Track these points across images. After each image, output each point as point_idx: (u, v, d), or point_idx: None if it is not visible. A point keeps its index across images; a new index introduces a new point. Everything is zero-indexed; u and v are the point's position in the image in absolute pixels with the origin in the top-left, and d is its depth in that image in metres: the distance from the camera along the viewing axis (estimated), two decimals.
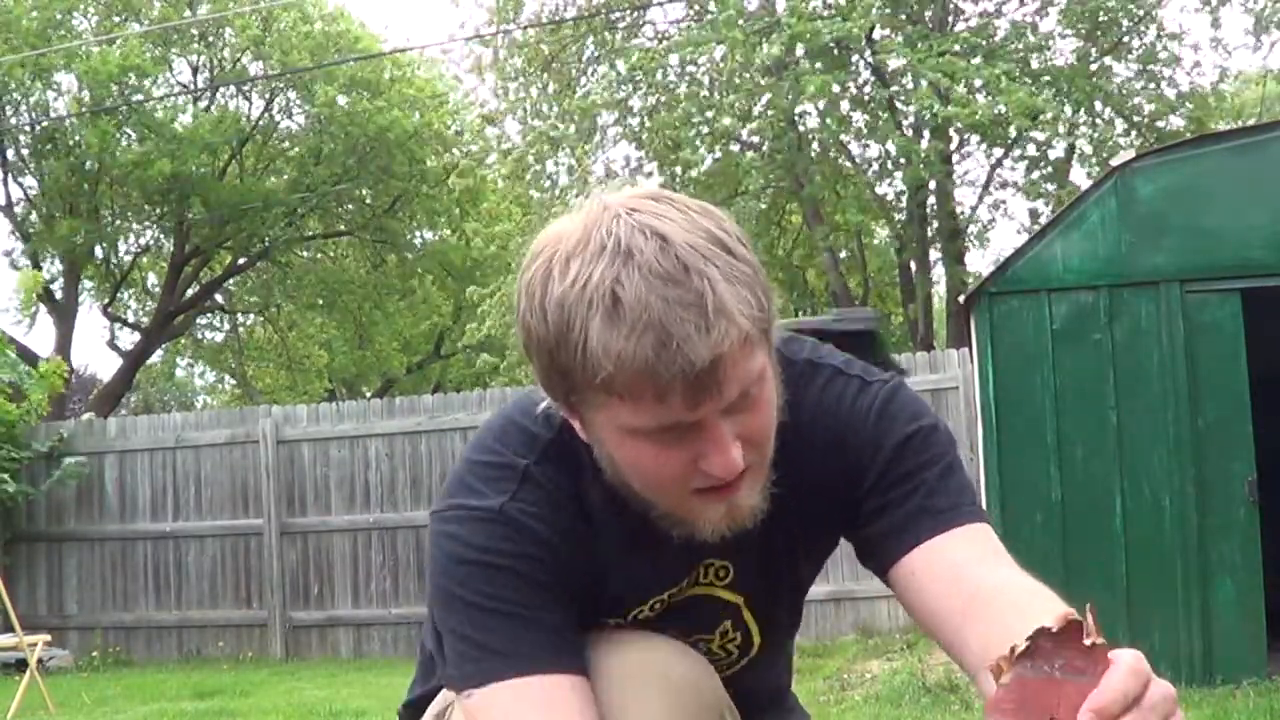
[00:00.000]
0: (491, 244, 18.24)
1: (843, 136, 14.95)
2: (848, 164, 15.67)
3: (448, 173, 17.90)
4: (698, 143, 14.10)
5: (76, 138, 16.66)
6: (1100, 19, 13.96)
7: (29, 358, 13.61)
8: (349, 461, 10.02)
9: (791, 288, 18.53)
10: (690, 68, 14.56)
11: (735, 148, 15.05)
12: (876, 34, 14.25)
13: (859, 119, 15.06)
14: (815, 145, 14.82)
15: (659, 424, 1.12)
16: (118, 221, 19.14)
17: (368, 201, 20.04)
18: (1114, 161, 6.35)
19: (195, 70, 18.83)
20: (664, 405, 1.10)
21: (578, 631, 1.27)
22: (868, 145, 15.47)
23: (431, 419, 9.92)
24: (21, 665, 8.12)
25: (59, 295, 18.85)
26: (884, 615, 8.64)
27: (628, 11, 15.46)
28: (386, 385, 22.28)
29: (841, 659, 7.62)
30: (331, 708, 6.89)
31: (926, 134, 14.39)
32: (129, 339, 21.16)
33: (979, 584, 1.18)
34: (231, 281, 21.14)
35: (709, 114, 13.99)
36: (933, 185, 14.42)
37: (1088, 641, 0.86)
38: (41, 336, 23.53)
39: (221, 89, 18.77)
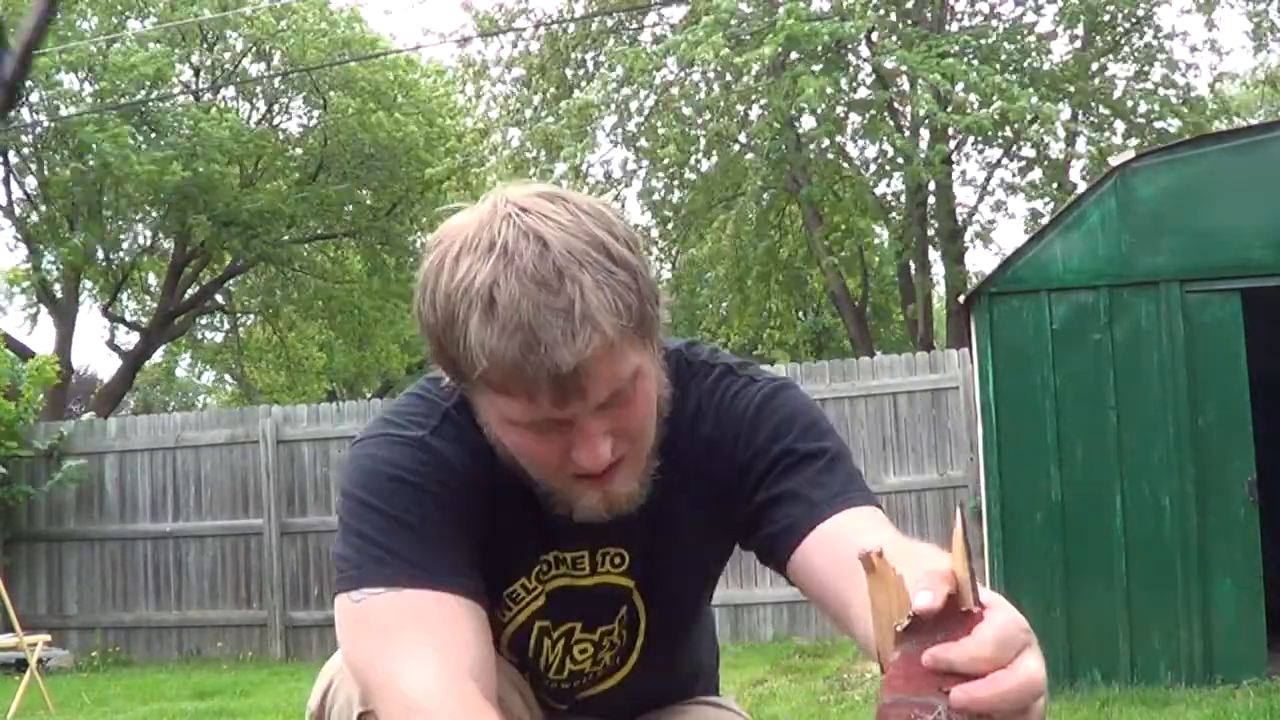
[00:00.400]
0: None
1: (839, 138, 14.94)
2: (845, 165, 15.66)
3: (449, 174, 17.89)
4: (699, 143, 14.08)
5: (88, 141, 16.51)
6: (1099, 19, 13.96)
7: (22, 353, 13.53)
8: None
9: (791, 289, 18.49)
10: (686, 70, 14.54)
11: (735, 148, 15.05)
12: (875, 35, 14.24)
13: (856, 120, 15.04)
14: (813, 146, 14.81)
15: (531, 419, 1.19)
16: (120, 222, 19.10)
17: (368, 204, 20.03)
18: (1113, 161, 6.34)
19: (197, 72, 18.78)
20: (534, 403, 1.17)
21: (478, 570, 1.30)
22: (864, 146, 15.47)
23: None
24: (21, 665, 8.11)
25: (59, 295, 18.84)
26: None
27: (627, 13, 15.45)
28: (387, 386, 22.28)
29: (841, 659, 7.62)
30: None
31: (925, 134, 14.39)
32: (129, 339, 21.18)
33: (859, 549, 1.20)
34: (231, 282, 21.13)
35: (705, 117, 13.97)
36: (932, 185, 14.42)
37: (964, 609, 0.86)
38: (42, 337, 23.59)
39: (223, 90, 18.73)
